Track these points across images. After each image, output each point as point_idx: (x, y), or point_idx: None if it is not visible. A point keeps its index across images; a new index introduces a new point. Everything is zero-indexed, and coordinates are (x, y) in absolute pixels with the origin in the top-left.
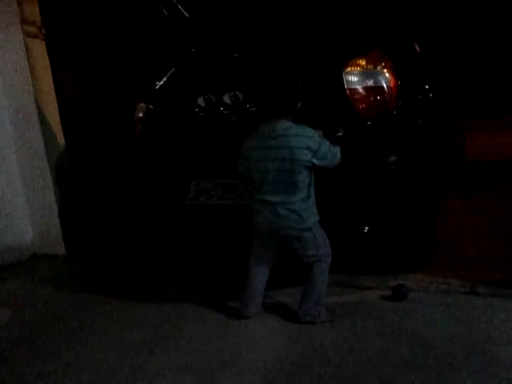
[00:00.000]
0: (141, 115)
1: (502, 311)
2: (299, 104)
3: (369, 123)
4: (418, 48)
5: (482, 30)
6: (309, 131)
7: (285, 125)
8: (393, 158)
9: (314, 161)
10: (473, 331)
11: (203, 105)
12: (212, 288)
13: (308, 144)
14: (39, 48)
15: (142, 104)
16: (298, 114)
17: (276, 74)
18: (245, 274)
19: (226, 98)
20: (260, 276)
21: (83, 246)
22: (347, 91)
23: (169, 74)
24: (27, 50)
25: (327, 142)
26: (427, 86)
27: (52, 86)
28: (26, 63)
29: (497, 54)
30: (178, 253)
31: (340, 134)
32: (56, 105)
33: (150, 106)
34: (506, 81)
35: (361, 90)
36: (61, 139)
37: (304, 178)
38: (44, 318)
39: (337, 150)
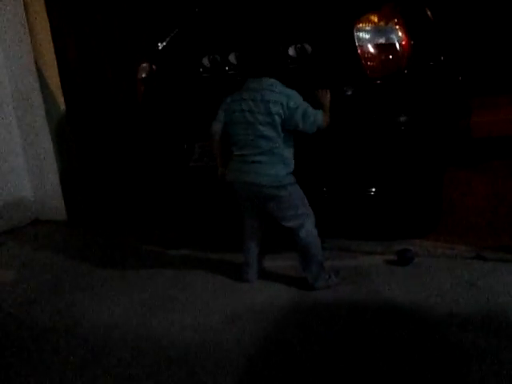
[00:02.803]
0: (144, 76)
1: (508, 275)
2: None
3: (379, 82)
4: (430, 14)
5: (490, 11)
6: (291, 91)
7: (270, 81)
8: (403, 119)
9: (288, 120)
10: (479, 294)
11: (208, 65)
12: (216, 251)
13: (287, 101)
14: (38, 5)
15: (145, 64)
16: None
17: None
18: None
19: (232, 58)
20: (252, 247)
21: (85, 211)
22: (358, 48)
23: (172, 35)
24: (26, 7)
25: (307, 106)
26: (438, 51)
27: (52, 45)
28: (25, 21)
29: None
30: (182, 215)
31: (349, 93)
32: (56, 65)
33: (153, 67)
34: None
35: (372, 48)
36: (61, 101)
37: (280, 134)
38: (47, 281)
39: (317, 115)
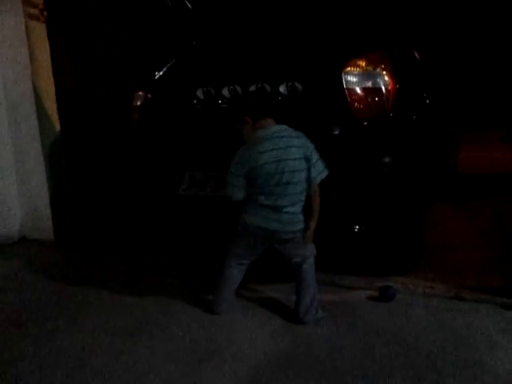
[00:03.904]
0: (138, 104)
1: (486, 317)
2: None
3: (365, 124)
4: (417, 55)
5: (479, 43)
6: (302, 133)
7: (282, 126)
8: (387, 160)
9: (312, 169)
10: (456, 335)
11: (202, 97)
12: (201, 279)
13: (311, 149)
14: (40, 31)
15: (141, 93)
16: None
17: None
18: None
19: (225, 92)
20: (237, 276)
21: (72, 232)
22: (346, 91)
23: (169, 65)
24: (28, 32)
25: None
26: (424, 94)
27: (50, 70)
28: (26, 46)
29: (493, 68)
30: (169, 242)
31: (336, 133)
32: (53, 90)
33: (149, 96)
34: (502, 95)
35: (359, 91)
36: (56, 124)
37: (305, 178)
38: (29, 303)
39: (323, 166)
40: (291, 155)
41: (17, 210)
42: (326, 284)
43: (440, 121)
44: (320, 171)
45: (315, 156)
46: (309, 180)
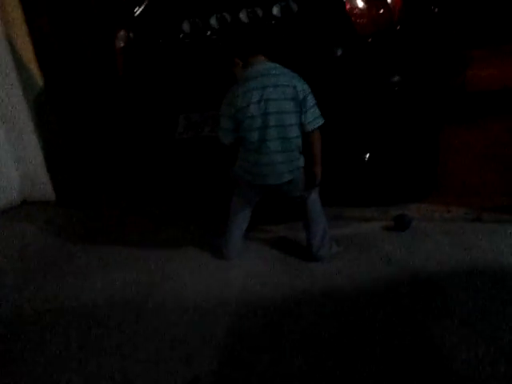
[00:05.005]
0: (122, 45)
1: (507, 237)
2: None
3: (370, 40)
4: None
5: None
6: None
7: (272, 64)
8: (396, 78)
9: (306, 114)
10: (478, 257)
11: (188, 30)
12: (203, 225)
13: (306, 92)
14: None
15: (122, 33)
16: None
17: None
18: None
19: (213, 21)
20: (244, 218)
21: (72, 189)
22: (346, 4)
23: None
24: None
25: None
26: (431, 2)
27: (23, 18)
28: None
29: None
30: (169, 189)
31: (339, 54)
32: (30, 40)
33: (131, 35)
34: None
35: (361, 3)
36: (38, 77)
37: (298, 122)
38: (37, 262)
39: (319, 113)
40: (278, 95)
41: (14, 174)
42: (337, 218)
43: (448, 34)
44: (315, 117)
45: (311, 101)
46: (302, 126)
